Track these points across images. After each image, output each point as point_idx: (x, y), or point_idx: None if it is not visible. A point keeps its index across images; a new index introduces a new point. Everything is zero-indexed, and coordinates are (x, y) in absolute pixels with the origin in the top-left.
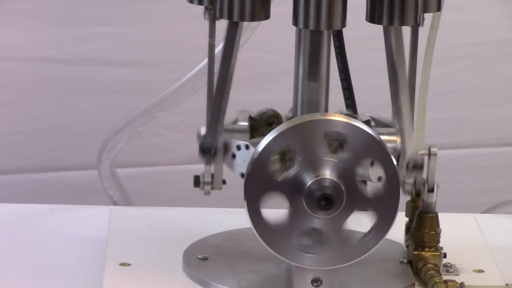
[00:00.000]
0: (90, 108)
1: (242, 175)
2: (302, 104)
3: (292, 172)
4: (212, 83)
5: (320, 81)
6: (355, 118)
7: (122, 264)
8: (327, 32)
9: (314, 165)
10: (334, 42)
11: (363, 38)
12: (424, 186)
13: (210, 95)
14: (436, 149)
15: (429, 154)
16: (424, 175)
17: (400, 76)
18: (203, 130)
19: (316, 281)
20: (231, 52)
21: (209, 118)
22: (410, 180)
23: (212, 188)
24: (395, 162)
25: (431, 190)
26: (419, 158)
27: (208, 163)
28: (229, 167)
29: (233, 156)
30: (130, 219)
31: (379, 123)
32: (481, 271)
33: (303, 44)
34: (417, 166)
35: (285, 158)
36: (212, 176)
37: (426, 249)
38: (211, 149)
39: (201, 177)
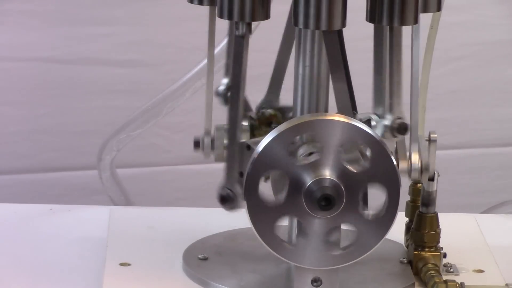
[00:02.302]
0: (90, 108)
1: (241, 174)
2: (302, 104)
3: (292, 172)
4: (212, 83)
5: (320, 81)
6: (355, 118)
7: (122, 264)
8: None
9: (314, 165)
10: None
11: (363, 38)
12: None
13: (210, 94)
14: (436, 135)
15: (429, 140)
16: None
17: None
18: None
19: (316, 281)
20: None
21: (225, 169)
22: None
23: (212, 148)
24: (395, 162)
25: (431, 179)
26: (404, 121)
27: (230, 210)
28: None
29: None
30: (130, 219)
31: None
32: (481, 271)
33: (303, 44)
34: (402, 129)
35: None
36: (212, 140)
37: (426, 249)
38: (230, 197)
39: (201, 141)
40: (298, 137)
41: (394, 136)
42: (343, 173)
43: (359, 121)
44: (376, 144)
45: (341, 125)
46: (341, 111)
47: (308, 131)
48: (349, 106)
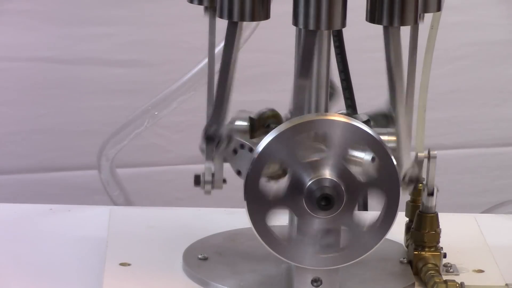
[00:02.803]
0: (90, 108)
1: (239, 172)
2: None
3: (292, 172)
4: (212, 83)
5: (320, 81)
6: (355, 118)
7: (122, 264)
8: (327, 32)
9: (314, 165)
10: (334, 42)
11: (363, 38)
12: (423, 189)
13: (210, 94)
14: (435, 152)
15: (429, 157)
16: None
17: (397, 83)
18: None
19: (316, 281)
20: (231, 49)
21: (213, 106)
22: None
23: (212, 187)
24: (395, 162)
25: (430, 194)
26: (415, 172)
27: (210, 152)
28: (228, 160)
29: (235, 151)
30: (130, 219)
31: (377, 117)
32: (481, 271)
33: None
34: (413, 180)
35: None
36: (213, 175)
37: (426, 249)
38: (215, 137)
39: (201, 176)
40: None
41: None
42: (343, 173)
43: (359, 121)
44: (376, 144)
45: (341, 125)
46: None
47: (308, 131)
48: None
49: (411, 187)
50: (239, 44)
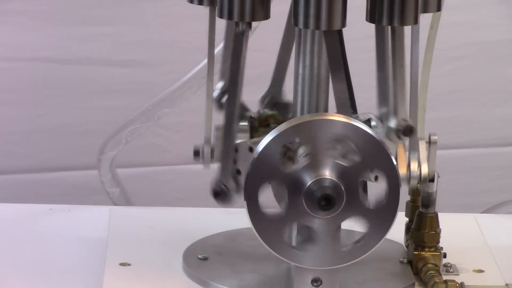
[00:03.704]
0: (90, 108)
1: (238, 172)
2: (302, 104)
3: (292, 172)
4: (212, 83)
5: (320, 81)
6: (355, 118)
7: (122, 264)
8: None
9: (314, 165)
10: None
11: (363, 38)
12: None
13: (210, 98)
14: (436, 137)
15: (429, 142)
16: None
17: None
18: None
19: (316, 281)
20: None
21: (219, 163)
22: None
23: (212, 158)
24: (395, 162)
25: (431, 180)
26: (410, 123)
27: (223, 204)
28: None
29: (238, 172)
30: (130, 219)
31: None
32: (481, 271)
33: (303, 44)
34: (408, 131)
35: (286, 157)
36: (212, 150)
37: (426, 249)
38: (224, 192)
39: (200, 149)
40: (297, 138)
41: (399, 138)
42: (343, 173)
43: (359, 121)
44: (376, 144)
45: (341, 125)
46: (340, 110)
47: (308, 131)
48: (349, 106)
49: (407, 139)
50: (245, 58)
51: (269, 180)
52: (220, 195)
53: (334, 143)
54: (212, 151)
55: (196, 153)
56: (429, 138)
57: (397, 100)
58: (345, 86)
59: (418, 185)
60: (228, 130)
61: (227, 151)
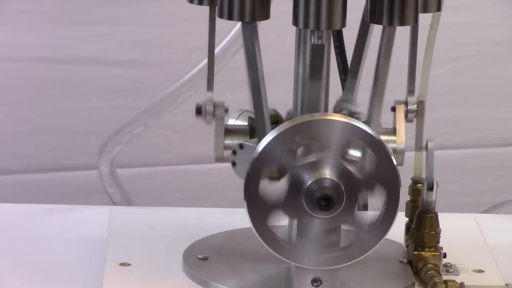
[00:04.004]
0: (90, 108)
1: (233, 163)
2: (302, 104)
3: (292, 172)
4: (212, 83)
5: (320, 81)
6: (355, 118)
7: (122, 264)
8: (327, 32)
9: (314, 165)
10: (334, 42)
11: None
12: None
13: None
14: (433, 142)
15: (426, 149)
16: (423, 174)
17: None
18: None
19: (316, 281)
20: (254, 54)
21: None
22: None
23: (214, 115)
24: (395, 162)
25: (430, 188)
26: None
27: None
28: (234, 171)
29: (233, 164)
30: (130, 219)
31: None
32: (481, 271)
33: (303, 44)
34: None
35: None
36: (214, 105)
37: (426, 249)
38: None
39: (203, 106)
40: (298, 137)
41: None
42: (343, 173)
43: (359, 121)
44: (376, 144)
45: (341, 125)
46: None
47: (308, 131)
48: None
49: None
50: (259, 48)
51: (269, 180)
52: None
53: (334, 143)
54: (214, 107)
55: (198, 111)
56: (426, 144)
57: (372, 108)
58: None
59: (419, 184)
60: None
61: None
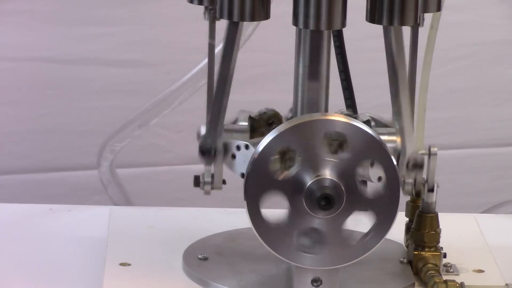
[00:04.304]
0: (90, 108)
1: (243, 175)
2: (302, 104)
3: (292, 172)
4: (212, 83)
5: (320, 81)
6: (355, 118)
7: (122, 264)
8: (327, 32)
9: (314, 165)
10: (334, 42)
11: (363, 38)
12: (424, 186)
13: (210, 95)
14: (436, 149)
15: (429, 154)
16: (424, 175)
17: (400, 76)
18: (203, 130)
19: (316, 281)
20: (231, 52)
21: (208, 118)
22: (410, 180)
23: (212, 188)
24: (395, 162)
25: (431, 190)
26: (420, 157)
27: (208, 164)
28: (229, 167)
29: (233, 156)
30: (130, 219)
31: (379, 123)
32: (481, 271)
33: (303, 44)
34: (417, 165)
35: (285, 157)
36: (212, 176)
37: (426, 249)
38: (211, 150)
39: (201, 177)
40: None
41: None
42: (343, 173)
43: (359, 121)
44: (376, 144)
45: (341, 125)
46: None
47: (308, 131)
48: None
49: (415, 173)
50: (238, 46)
51: (269, 180)
52: (207, 154)
53: (334, 143)
54: (212, 178)
55: (197, 182)
56: (429, 150)
57: (403, 130)
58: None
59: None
60: (221, 88)
61: (219, 110)
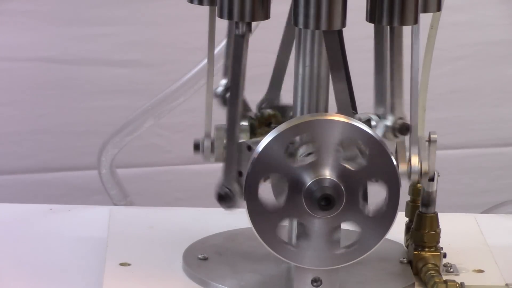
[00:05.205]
0: (90, 108)
1: (240, 173)
2: (302, 104)
3: (292, 172)
4: (212, 83)
5: (320, 81)
6: (355, 118)
7: (122, 264)
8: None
9: (313, 165)
10: None
11: (363, 38)
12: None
13: (210, 96)
14: (436, 136)
15: (429, 141)
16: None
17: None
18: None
19: (316, 281)
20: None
21: (224, 167)
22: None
23: (212, 151)
24: (395, 162)
25: (431, 179)
26: (406, 122)
27: (228, 208)
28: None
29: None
30: (130, 219)
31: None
32: (481, 271)
33: (303, 44)
34: (404, 129)
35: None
36: (212, 143)
37: (426, 249)
38: (228, 196)
39: (200, 143)
40: (298, 137)
41: (396, 137)
42: (343, 173)
43: (359, 121)
44: (376, 144)
45: (341, 125)
46: (341, 110)
47: (308, 131)
48: (349, 106)
49: (403, 137)
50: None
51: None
52: (225, 198)
53: (334, 143)
54: (212, 145)
55: (196, 147)
56: (429, 137)
57: (394, 99)
58: (345, 86)
59: (418, 184)
60: (231, 132)
61: (231, 154)
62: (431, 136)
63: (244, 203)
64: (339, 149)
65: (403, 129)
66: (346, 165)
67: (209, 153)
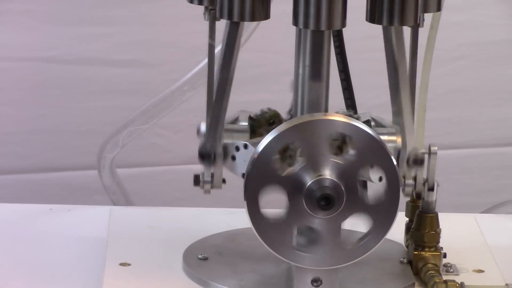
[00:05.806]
0: (90, 108)
1: (243, 175)
2: (302, 104)
3: (292, 172)
4: (212, 83)
5: (320, 81)
6: (356, 118)
7: (122, 264)
8: (327, 32)
9: (314, 165)
10: (334, 42)
11: (363, 38)
12: (424, 185)
13: (210, 97)
14: (436, 148)
15: (429, 153)
16: (424, 175)
17: (401, 75)
18: (203, 126)
19: (316, 281)
20: (232, 53)
21: (208, 121)
22: (410, 181)
23: (212, 187)
24: (395, 162)
25: (431, 189)
26: (420, 153)
27: (208, 168)
28: (229, 170)
29: (233, 158)
30: (130, 219)
31: (379, 124)
32: (481, 271)
33: (303, 44)
34: (418, 161)
35: (286, 155)
36: (212, 175)
37: (426, 249)
38: (210, 154)
39: (201, 176)
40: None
41: (409, 167)
42: (343, 173)
43: (359, 121)
44: (376, 144)
45: (341, 125)
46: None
47: (308, 131)
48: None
49: (415, 170)
50: (239, 47)
51: (269, 180)
52: (207, 158)
53: (334, 143)
54: (212, 177)
55: (196, 181)
56: (429, 149)
57: (404, 125)
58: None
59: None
60: (221, 90)
61: (218, 112)
62: (431, 148)
63: (244, 203)
64: (338, 149)
65: (417, 162)
66: (346, 165)
67: (209, 188)
